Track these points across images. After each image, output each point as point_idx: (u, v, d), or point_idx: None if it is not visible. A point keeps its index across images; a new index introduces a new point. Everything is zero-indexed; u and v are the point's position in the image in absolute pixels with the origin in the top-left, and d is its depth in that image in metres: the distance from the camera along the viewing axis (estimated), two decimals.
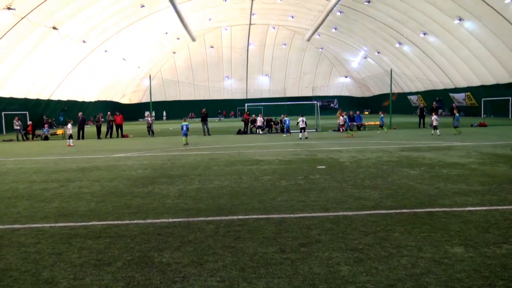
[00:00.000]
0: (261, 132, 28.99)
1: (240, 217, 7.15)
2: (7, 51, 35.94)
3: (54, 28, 38.25)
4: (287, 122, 26.69)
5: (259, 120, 29.35)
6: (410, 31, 48.09)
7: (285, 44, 72.99)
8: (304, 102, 43.32)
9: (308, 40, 69.16)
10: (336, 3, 47.12)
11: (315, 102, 33.27)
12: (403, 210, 7.31)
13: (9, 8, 31.16)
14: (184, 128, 21.97)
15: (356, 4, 47.25)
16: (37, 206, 8.40)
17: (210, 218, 7.10)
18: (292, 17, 59.62)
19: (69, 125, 24.24)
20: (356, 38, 61.79)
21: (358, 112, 30.41)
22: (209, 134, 28.77)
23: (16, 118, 31.46)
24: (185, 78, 76.31)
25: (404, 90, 64.03)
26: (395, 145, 18.68)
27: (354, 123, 28.89)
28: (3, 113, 38.87)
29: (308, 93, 76.06)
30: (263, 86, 78.78)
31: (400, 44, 52.97)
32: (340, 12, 51.46)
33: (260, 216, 7.17)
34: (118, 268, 4.99)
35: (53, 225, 6.96)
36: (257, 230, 6.37)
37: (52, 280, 4.69)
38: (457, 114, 24.61)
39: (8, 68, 38.56)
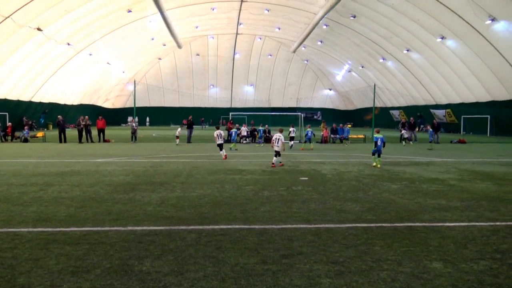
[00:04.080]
0: (244, 142, 29.00)
1: (222, 226, 7.12)
2: None
3: (39, 29, 37.77)
4: (261, 133, 28.29)
5: (244, 130, 29.37)
6: (394, 47, 48.97)
7: (270, 55, 73.46)
8: (288, 113, 43.54)
9: (294, 51, 69.77)
10: (322, 17, 47.70)
11: (299, 113, 33.45)
12: (384, 224, 7.39)
13: None
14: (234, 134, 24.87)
15: (342, 18, 47.93)
16: (14, 210, 8.23)
17: (192, 227, 7.06)
18: (279, 28, 60.09)
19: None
20: (341, 52, 62.61)
21: (341, 125, 30.66)
22: (190, 142, 28.62)
23: None
24: (170, 85, 76.01)
25: (387, 105, 65.00)
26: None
27: (337, 136, 29.14)
28: None
29: (292, 104, 76.55)
30: (248, 96, 79.00)
31: (384, 59, 53.86)
32: (326, 26, 52.12)
33: (242, 226, 7.16)
34: (96, 276, 4.91)
35: (31, 229, 6.83)
36: (238, 241, 6.36)
37: (29, 286, 4.61)
38: (430, 130, 25.19)
39: None
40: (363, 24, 47.85)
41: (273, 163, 15.63)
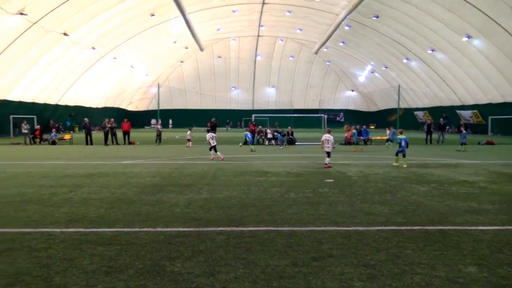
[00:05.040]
0: (267, 143, 28.96)
1: (250, 228, 7.13)
2: (17, 56, 36.30)
3: (65, 34, 38.64)
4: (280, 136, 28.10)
5: (269, 132, 29.37)
6: (418, 47, 48.20)
7: (292, 57, 73.27)
8: (310, 115, 43.32)
9: (316, 53, 69.47)
10: (345, 18, 47.39)
11: (322, 115, 33.27)
12: (414, 227, 7.26)
13: (21, 13, 31.54)
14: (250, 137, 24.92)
15: (365, 19, 47.47)
16: (46, 210, 8.42)
17: (220, 229, 7.08)
18: (301, 30, 59.94)
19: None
20: (363, 53, 61.99)
21: (364, 127, 30.35)
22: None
23: (24, 122, 31.63)
24: (192, 87, 76.64)
25: (411, 106, 63.98)
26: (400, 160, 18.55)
27: (361, 137, 28.86)
28: (11, 116, 39.15)
29: (314, 105, 76.14)
30: (270, 98, 78.96)
31: (407, 59, 53.07)
32: (348, 26, 51.70)
33: (270, 228, 7.15)
34: (130, 276, 4.98)
35: (63, 230, 6.97)
36: (268, 243, 6.35)
37: (65, 286, 4.69)
38: (463, 131, 24.55)
39: (18, 73, 38.94)
40: (386, 24, 47.28)
41: (326, 164, 15.77)
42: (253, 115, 33.98)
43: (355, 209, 8.68)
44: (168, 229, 7.07)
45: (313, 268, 5.28)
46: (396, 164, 16.30)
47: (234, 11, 51.74)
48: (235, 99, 78.66)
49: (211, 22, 55.35)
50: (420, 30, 44.17)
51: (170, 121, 73.73)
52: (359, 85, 78.00)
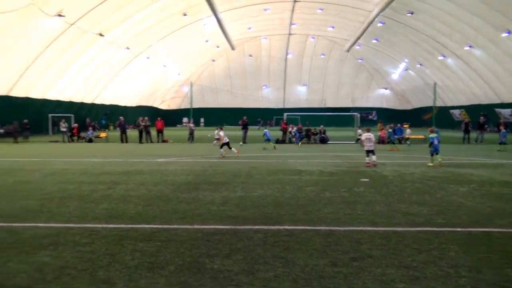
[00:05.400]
0: (296, 142, 28.77)
1: (287, 227, 7.10)
2: (56, 56, 37.51)
3: (101, 34, 39.66)
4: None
5: (294, 130, 29.25)
6: (454, 43, 46.87)
7: (324, 54, 72.67)
8: (342, 113, 42.80)
9: (348, 50, 68.64)
10: (378, 14, 46.59)
11: (356, 113, 32.81)
12: (457, 229, 7.05)
13: (59, 15, 32.54)
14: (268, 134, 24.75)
15: (399, 15, 46.55)
16: (87, 206, 8.64)
17: (257, 227, 7.09)
18: (333, 27, 59.35)
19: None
20: (397, 50, 60.82)
21: (399, 125, 29.77)
22: (245, 143, 28.79)
23: (63, 120, 32.66)
24: (223, 86, 77.17)
25: (447, 104, 62.26)
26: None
27: (396, 136, 28.30)
28: (50, 115, 40.48)
29: (346, 104, 75.22)
30: (301, 96, 78.60)
31: (443, 56, 51.69)
32: (382, 23, 50.79)
33: (307, 228, 7.10)
34: (171, 272, 5.05)
35: (104, 226, 7.14)
36: (305, 242, 6.31)
37: (109, 280, 4.80)
38: (503, 130, 23.68)
39: (56, 72, 40.24)
40: (421, 21, 46.18)
41: (368, 162, 15.61)
42: (285, 114, 33.83)
43: (393, 209, 8.51)
44: (205, 226, 7.13)
45: (353, 269, 5.20)
46: (431, 164, 15.87)
47: (266, 10, 51.76)
48: (266, 97, 78.71)
49: (242, 21, 55.59)
50: (457, 26, 42.94)
51: (202, 120, 74.50)
52: (393, 83, 76.58)
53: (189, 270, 5.13)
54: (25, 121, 32.19)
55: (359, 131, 26.91)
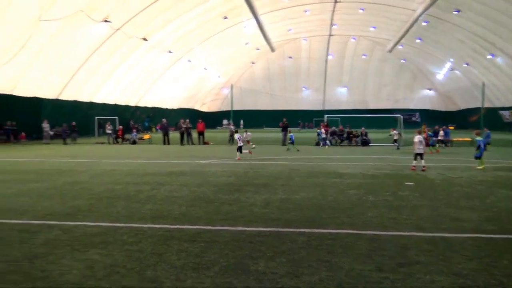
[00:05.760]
0: (321, 144, 28.28)
1: (330, 230, 7.03)
2: (102, 61, 38.91)
3: (144, 39, 40.78)
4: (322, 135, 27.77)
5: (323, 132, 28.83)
6: (504, 41, 44.85)
7: (365, 55, 71.48)
8: (384, 115, 41.90)
9: (390, 51, 67.18)
10: (422, 13, 45.36)
11: (398, 115, 32.02)
12: (509, 236, 6.75)
13: (106, 21, 33.74)
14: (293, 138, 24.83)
15: (444, 13, 45.11)
16: (133, 206, 8.89)
17: (301, 230, 7.05)
18: (374, 27, 58.31)
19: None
20: (442, 49, 58.89)
21: (445, 127, 28.80)
22: (284, 145, 28.70)
23: (108, 123, 33.79)
24: (263, 88, 77.39)
25: (495, 105, 59.66)
26: (488, 163, 17.35)
27: (442, 138, 27.38)
28: (96, 118, 41.97)
29: (388, 105, 73.58)
30: (341, 97, 77.64)
31: (492, 55, 49.60)
32: (426, 22, 49.37)
33: (351, 231, 7.00)
34: (216, 273, 5.11)
35: (150, 226, 7.32)
36: (349, 246, 6.22)
37: (156, 279, 4.92)
38: None
39: (102, 76, 41.74)
40: (469, 19, 44.50)
41: (413, 166, 15.18)
42: (325, 116, 33.50)
43: (440, 214, 8.25)
44: (248, 228, 7.17)
45: (400, 275, 5.08)
46: (481, 167, 15.31)
47: (306, 11, 51.54)
48: (306, 99, 78.28)
49: (282, 22, 55.63)
50: (507, 24, 41.07)
51: (242, 122, 75.00)
52: (437, 83, 74.22)
53: (234, 271, 5.18)
54: (73, 123, 33.53)
55: (394, 132, 26.25)
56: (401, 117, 30.86)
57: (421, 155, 15.20)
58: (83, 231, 6.93)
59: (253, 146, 25.07)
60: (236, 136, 20.18)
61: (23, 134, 33.23)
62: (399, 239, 6.58)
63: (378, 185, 11.72)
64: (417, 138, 15.45)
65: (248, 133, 26.94)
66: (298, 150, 23.76)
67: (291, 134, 25.47)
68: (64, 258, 5.61)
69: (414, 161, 15.32)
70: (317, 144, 28.06)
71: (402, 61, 71.98)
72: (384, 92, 76.62)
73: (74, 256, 5.71)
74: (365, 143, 28.39)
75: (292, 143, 24.74)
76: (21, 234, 6.77)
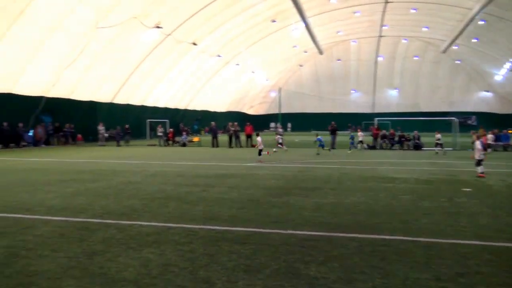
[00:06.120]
0: (356, 147, 27.58)
1: (383, 236, 6.82)
2: (153, 65, 40.16)
3: (194, 43, 41.67)
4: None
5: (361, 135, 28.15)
6: None
7: (417, 57, 69.29)
8: (438, 118, 40.34)
9: (444, 51, 64.74)
10: (479, 11, 43.39)
11: (453, 118, 30.76)
12: None
13: (157, 27, 34.80)
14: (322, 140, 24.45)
15: (504, 11, 42.93)
16: (185, 207, 9.06)
17: (352, 235, 6.90)
18: (427, 28, 56.43)
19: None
20: (501, 49, 56.01)
21: (504, 131, 27.36)
22: (334, 148, 28.34)
23: (159, 125, 34.79)
24: (311, 91, 76.90)
25: None
26: None
27: (500, 142, 26.04)
28: (148, 120, 43.33)
29: (441, 108, 70.87)
30: (391, 100, 75.66)
31: None
32: (484, 21, 47.19)
33: (406, 238, 6.75)
34: (267, 276, 5.08)
35: (201, 227, 7.41)
36: (404, 253, 6.01)
37: (208, 280, 4.96)
38: None
39: (154, 80, 43.06)
40: None
41: (482, 173, 14.04)
42: (375, 119, 32.76)
43: (502, 222, 7.81)
44: (298, 232, 7.10)
45: (460, 285, 4.84)
46: None
47: (355, 13, 50.71)
48: (355, 102, 76.95)
49: (331, 25, 55.08)
50: None
51: (289, 125, 74.84)
52: (495, 85, 70.61)
53: (285, 275, 5.13)
54: (127, 126, 34.78)
55: (438, 135, 25.09)
56: (456, 120, 29.64)
57: (480, 161, 14.34)
58: (137, 230, 7.14)
59: (274, 150, 24.86)
60: (259, 139, 20.26)
61: (79, 136, 34.88)
62: (457, 248, 6.28)
63: (433, 191, 11.28)
64: (479, 143, 14.59)
65: (279, 136, 26.90)
66: (329, 150, 23.41)
67: (319, 137, 25.03)
68: (120, 256, 5.78)
69: (479, 168, 14.33)
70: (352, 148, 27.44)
71: (457, 62, 69.13)
72: (438, 94, 73.87)
73: (129, 254, 5.88)
74: (418, 147, 27.47)
75: (322, 146, 24.24)
76: (80, 231, 7.06)
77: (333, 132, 29.06)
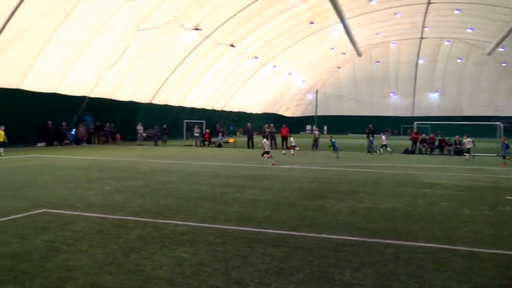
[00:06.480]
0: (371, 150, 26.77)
1: (421, 244, 6.63)
2: (191, 66, 40.78)
3: (232, 45, 42.01)
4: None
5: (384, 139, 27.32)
6: None
7: (460, 59, 67.02)
8: (481, 123, 38.83)
9: (489, 53, 62.31)
10: None
11: (498, 123, 29.55)
12: None
13: (196, 29, 35.33)
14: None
15: None
16: (219, 208, 9.13)
17: (388, 241, 6.75)
18: (471, 29, 54.52)
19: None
20: None
21: None
22: (372, 151, 27.85)
23: (196, 126, 35.26)
24: (348, 93, 75.90)
25: None
26: None
27: None
28: (185, 121, 44.03)
29: (485, 112, 68.12)
30: (432, 103, 73.46)
31: None
32: None
33: (444, 246, 6.54)
34: (300, 280, 5.04)
35: (235, 228, 7.45)
36: (443, 261, 5.81)
37: (241, 281, 4.97)
38: None
39: (191, 81, 43.70)
40: None
41: None
42: (415, 122, 31.93)
43: None
44: (333, 236, 7.01)
45: None
46: None
47: (396, 14, 49.65)
48: (394, 105, 75.29)
49: (370, 26, 54.15)
50: None
51: (325, 127, 74.09)
52: None
53: (318, 279, 5.07)
54: (164, 126, 35.44)
55: (468, 139, 24.02)
56: (501, 125, 28.43)
57: None
58: (172, 229, 7.25)
59: (292, 152, 24.63)
60: (264, 141, 20.25)
61: (118, 135, 35.88)
62: (500, 258, 6.02)
63: (474, 198, 10.87)
64: None
65: (292, 139, 26.67)
66: (337, 157, 22.86)
67: (333, 140, 24.56)
68: (156, 254, 5.89)
69: None
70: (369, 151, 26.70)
71: (503, 64, 66.37)
72: (481, 97, 71.10)
73: (164, 252, 5.98)
74: (459, 152, 26.55)
75: (335, 149, 23.79)
76: (117, 228, 7.25)
77: (370, 135, 28.55)
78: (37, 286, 4.73)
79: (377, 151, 26.36)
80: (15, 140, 25.94)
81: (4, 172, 14.96)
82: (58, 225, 7.42)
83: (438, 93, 73.76)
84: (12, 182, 12.48)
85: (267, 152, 19.25)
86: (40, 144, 28.91)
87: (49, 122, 29.31)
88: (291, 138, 25.55)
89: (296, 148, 24.98)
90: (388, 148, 27.38)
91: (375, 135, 29.42)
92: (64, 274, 5.09)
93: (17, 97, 26.81)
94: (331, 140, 24.46)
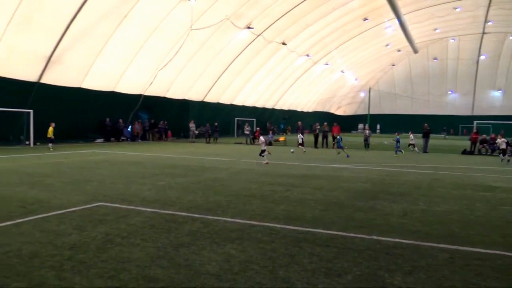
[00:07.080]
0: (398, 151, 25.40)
1: (478, 250, 6.30)
2: (243, 65, 41.12)
3: (283, 43, 41.97)
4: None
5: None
6: None
7: None
8: None
9: None
10: None
11: None
12: None
13: (248, 27, 35.58)
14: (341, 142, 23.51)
15: None
16: (268, 206, 9.14)
17: (442, 246, 6.46)
18: None
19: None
20: None
21: None
22: (426, 152, 26.89)
23: (246, 124, 35.55)
24: (403, 91, 73.61)
25: None
26: None
27: None
28: (236, 119, 44.53)
29: None
30: (494, 102, 69.68)
31: None
32: None
33: (505, 253, 6.17)
34: (348, 281, 4.94)
35: (283, 226, 7.42)
36: (503, 270, 5.49)
37: (288, 280, 4.94)
38: None
39: (243, 79, 44.08)
40: None
41: None
42: (475, 122, 30.41)
43: None
44: (384, 238, 6.81)
45: None
46: None
47: (456, 8, 47.49)
48: (452, 103, 72.13)
49: (428, 22, 52.20)
50: None
51: (378, 126, 72.31)
52: None
53: (368, 282, 4.95)
54: (216, 124, 36.02)
55: (502, 139, 22.42)
56: None
57: None
58: (222, 226, 7.34)
59: (292, 150, 24.37)
60: (261, 138, 20.11)
61: (169, 132, 36.90)
62: None
63: None
64: None
65: (300, 135, 26.18)
66: (337, 153, 22.30)
67: (339, 136, 23.73)
68: (205, 250, 5.99)
69: None
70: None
71: None
72: None
73: (213, 248, 6.06)
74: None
75: (340, 147, 23.00)
76: (168, 223, 7.44)
77: (426, 135, 27.52)
78: (93, 275, 4.95)
79: (402, 151, 25.25)
80: (76, 136, 27.36)
81: (66, 166, 15.81)
82: (113, 218, 7.73)
83: (501, 92, 69.86)
84: (73, 176, 13.16)
85: (263, 151, 19.06)
86: (98, 140, 30.33)
87: (107, 119, 30.68)
88: (300, 135, 26.22)
89: (302, 148, 24.95)
90: (415, 148, 26.41)
91: (430, 135, 28.26)
92: (118, 265, 5.29)
93: (78, 96, 28.26)
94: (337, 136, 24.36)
